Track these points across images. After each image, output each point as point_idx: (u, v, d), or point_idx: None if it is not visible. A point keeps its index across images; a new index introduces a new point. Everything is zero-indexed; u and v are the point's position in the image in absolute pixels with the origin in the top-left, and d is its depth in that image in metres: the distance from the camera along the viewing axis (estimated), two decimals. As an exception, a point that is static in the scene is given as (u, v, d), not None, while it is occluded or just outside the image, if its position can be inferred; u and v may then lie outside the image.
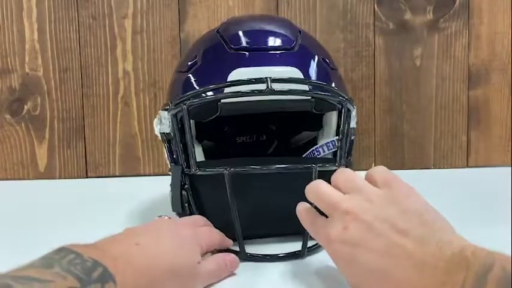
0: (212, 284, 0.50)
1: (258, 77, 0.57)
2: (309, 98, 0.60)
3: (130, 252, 0.43)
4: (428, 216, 0.43)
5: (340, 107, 0.63)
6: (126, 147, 1.03)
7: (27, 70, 1.02)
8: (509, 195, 0.75)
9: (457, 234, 0.42)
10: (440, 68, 1.05)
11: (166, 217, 0.55)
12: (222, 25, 0.67)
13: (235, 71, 0.59)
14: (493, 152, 1.07)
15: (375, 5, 1.04)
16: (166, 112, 0.63)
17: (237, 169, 0.56)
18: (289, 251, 0.57)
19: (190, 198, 0.60)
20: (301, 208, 0.50)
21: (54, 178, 1.03)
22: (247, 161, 0.60)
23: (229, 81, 0.58)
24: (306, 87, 0.59)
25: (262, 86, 0.56)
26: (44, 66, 1.02)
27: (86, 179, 1.04)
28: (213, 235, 0.55)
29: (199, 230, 0.54)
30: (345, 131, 0.62)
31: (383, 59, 1.05)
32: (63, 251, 0.39)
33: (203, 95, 0.59)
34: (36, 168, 1.03)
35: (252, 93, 0.57)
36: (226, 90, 0.58)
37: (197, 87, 0.60)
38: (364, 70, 1.05)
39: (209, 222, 0.58)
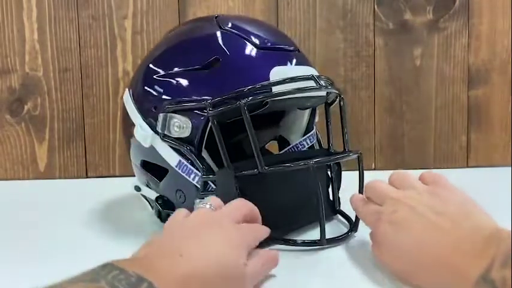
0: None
1: (297, 75, 0.59)
2: (325, 94, 0.65)
3: (175, 264, 0.42)
4: (467, 206, 0.48)
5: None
6: (126, 147, 1.03)
7: (27, 70, 1.02)
8: (509, 195, 0.75)
9: (495, 221, 0.46)
10: (440, 68, 1.05)
11: (208, 205, 0.52)
12: (223, 21, 0.65)
13: (275, 68, 0.59)
14: (493, 152, 1.07)
15: (375, 5, 1.04)
16: (179, 116, 0.60)
17: (321, 159, 0.60)
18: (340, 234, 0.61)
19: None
20: (355, 197, 0.58)
21: (54, 178, 1.03)
22: (282, 156, 0.70)
23: (286, 78, 0.59)
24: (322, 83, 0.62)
25: (310, 83, 0.59)
26: (44, 66, 1.02)
27: (86, 179, 1.04)
28: (258, 230, 0.53)
29: (245, 228, 0.51)
30: (346, 121, 0.67)
31: (383, 59, 1.05)
32: (107, 267, 0.39)
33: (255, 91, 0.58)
34: (36, 168, 1.03)
35: (318, 88, 0.59)
36: (275, 87, 0.58)
37: (237, 86, 0.58)
38: (364, 70, 1.05)
39: (252, 205, 0.55)
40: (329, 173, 0.69)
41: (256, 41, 0.62)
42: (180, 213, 0.52)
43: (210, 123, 0.58)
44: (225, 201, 0.57)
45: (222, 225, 0.49)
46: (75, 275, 0.37)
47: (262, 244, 0.59)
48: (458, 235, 0.44)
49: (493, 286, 0.38)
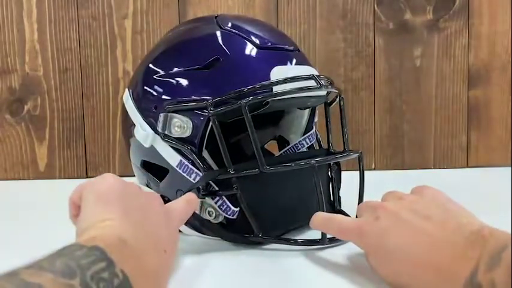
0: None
1: (297, 75, 0.59)
2: (325, 94, 0.66)
3: (163, 264, 0.43)
4: (451, 207, 0.47)
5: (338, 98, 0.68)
6: (125, 148, 1.03)
7: (27, 70, 1.02)
8: (509, 195, 0.75)
9: (479, 220, 0.45)
10: (440, 68, 1.06)
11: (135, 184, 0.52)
12: (223, 21, 0.65)
13: (275, 68, 0.59)
14: (493, 152, 1.07)
15: (375, 5, 1.04)
16: (180, 115, 0.59)
17: (322, 159, 0.60)
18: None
19: (243, 199, 0.58)
20: (320, 216, 0.55)
21: (54, 178, 1.03)
22: (282, 156, 0.70)
23: (287, 78, 0.59)
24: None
25: (310, 83, 0.59)
26: (44, 66, 1.02)
27: (86, 179, 1.04)
28: (184, 211, 0.55)
29: (173, 211, 0.52)
30: (346, 121, 0.68)
31: (383, 59, 1.05)
32: (94, 253, 0.34)
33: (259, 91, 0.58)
34: (36, 168, 1.03)
35: (319, 88, 0.59)
36: (276, 87, 0.58)
37: (237, 85, 0.58)
38: (364, 70, 1.05)
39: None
40: (329, 173, 0.69)
41: (257, 41, 0.62)
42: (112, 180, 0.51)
43: (210, 123, 0.58)
44: None
45: (166, 214, 0.50)
46: (48, 256, 0.33)
47: (264, 242, 0.59)
48: (443, 237, 0.42)
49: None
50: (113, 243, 0.37)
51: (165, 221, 0.48)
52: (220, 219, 0.59)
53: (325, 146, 0.71)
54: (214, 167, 0.61)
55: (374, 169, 1.05)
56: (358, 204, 0.58)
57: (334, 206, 0.68)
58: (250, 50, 0.61)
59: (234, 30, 0.63)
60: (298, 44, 0.69)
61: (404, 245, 0.44)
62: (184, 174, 0.60)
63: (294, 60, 0.63)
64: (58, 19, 1.01)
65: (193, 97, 0.60)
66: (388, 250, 0.45)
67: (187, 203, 0.55)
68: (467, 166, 1.07)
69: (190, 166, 0.60)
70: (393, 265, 0.45)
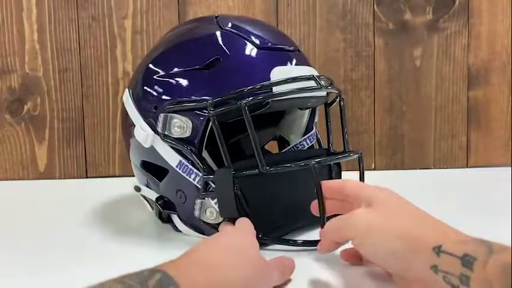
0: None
1: (297, 75, 0.60)
2: (325, 94, 0.66)
3: (204, 274, 0.41)
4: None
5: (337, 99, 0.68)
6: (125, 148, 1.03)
7: (27, 70, 1.02)
8: (509, 195, 0.75)
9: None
10: (440, 68, 1.06)
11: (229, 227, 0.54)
12: (223, 21, 0.65)
13: (276, 69, 0.60)
14: (493, 152, 1.07)
15: (375, 5, 1.04)
16: (180, 116, 0.59)
17: (322, 159, 0.60)
18: None
19: (242, 200, 0.58)
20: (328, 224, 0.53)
21: (54, 178, 1.03)
22: (283, 156, 0.71)
23: (287, 78, 0.59)
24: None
25: (310, 83, 0.59)
26: (44, 66, 1.02)
27: (86, 179, 1.04)
28: (286, 266, 0.51)
29: (272, 262, 0.50)
30: (346, 121, 0.68)
31: (383, 59, 1.05)
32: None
33: (258, 91, 0.58)
34: (36, 168, 1.03)
35: (319, 88, 0.60)
36: (276, 87, 0.58)
37: (237, 86, 0.58)
38: (364, 70, 1.05)
39: None
40: (329, 173, 0.69)
41: (257, 41, 0.62)
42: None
43: (210, 124, 0.58)
44: (224, 201, 0.57)
45: (251, 254, 0.48)
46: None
47: (263, 243, 0.59)
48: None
49: (489, 247, 0.38)
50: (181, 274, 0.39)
51: None
52: (220, 219, 0.59)
53: (325, 146, 0.71)
54: (214, 167, 0.61)
55: (374, 169, 1.05)
56: None
57: None
58: (250, 50, 0.61)
59: (234, 31, 0.63)
60: (298, 44, 0.69)
61: (383, 195, 0.48)
62: (184, 175, 0.60)
63: (294, 61, 0.63)
64: (58, 19, 1.02)
65: (193, 97, 0.60)
66: (368, 196, 0.49)
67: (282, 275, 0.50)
68: (467, 166, 1.07)
69: (190, 166, 0.60)
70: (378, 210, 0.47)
